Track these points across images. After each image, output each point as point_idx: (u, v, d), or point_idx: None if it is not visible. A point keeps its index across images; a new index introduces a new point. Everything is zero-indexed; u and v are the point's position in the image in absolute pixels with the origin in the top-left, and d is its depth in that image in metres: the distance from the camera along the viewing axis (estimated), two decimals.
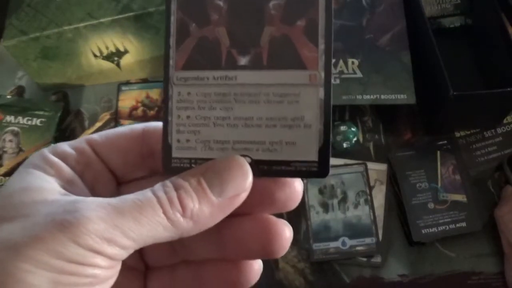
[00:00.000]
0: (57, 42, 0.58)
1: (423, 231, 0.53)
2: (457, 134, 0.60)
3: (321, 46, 0.22)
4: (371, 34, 0.59)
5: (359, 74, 0.56)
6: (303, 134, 0.21)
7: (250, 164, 0.21)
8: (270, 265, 0.54)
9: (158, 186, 0.19)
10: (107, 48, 0.60)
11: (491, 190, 0.57)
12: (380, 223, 0.55)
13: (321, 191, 0.56)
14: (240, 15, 0.22)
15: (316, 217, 0.55)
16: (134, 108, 0.61)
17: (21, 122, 0.57)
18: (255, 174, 0.21)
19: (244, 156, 0.21)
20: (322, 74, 0.21)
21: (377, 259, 0.54)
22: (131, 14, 0.57)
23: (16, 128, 0.57)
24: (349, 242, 0.53)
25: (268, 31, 0.22)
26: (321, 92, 0.21)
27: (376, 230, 0.54)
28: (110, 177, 0.22)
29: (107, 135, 0.22)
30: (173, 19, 0.22)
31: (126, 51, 0.61)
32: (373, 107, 0.61)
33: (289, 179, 0.22)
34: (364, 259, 0.54)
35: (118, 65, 0.63)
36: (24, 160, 0.22)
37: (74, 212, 0.17)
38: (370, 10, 0.60)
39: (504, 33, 0.55)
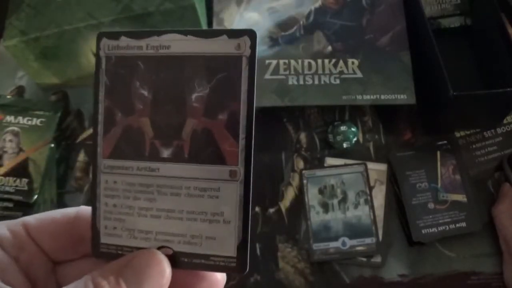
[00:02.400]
0: (57, 42, 0.58)
1: (423, 231, 0.53)
2: (457, 134, 0.60)
3: (242, 141, 0.21)
4: (371, 34, 0.59)
5: (359, 74, 0.56)
6: (222, 230, 0.21)
7: (171, 255, 0.21)
8: (270, 265, 0.54)
9: (80, 286, 0.20)
10: None
11: (491, 190, 0.57)
12: (380, 223, 0.55)
13: (321, 191, 0.56)
14: (163, 106, 0.22)
15: (316, 217, 0.55)
16: None
17: (21, 122, 0.57)
18: (175, 266, 0.21)
19: (165, 247, 0.21)
20: (242, 170, 0.21)
21: (377, 259, 0.54)
22: (131, 14, 0.57)
23: (16, 128, 0.56)
24: (349, 242, 0.53)
25: (190, 123, 0.21)
26: (241, 188, 0.21)
27: (376, 230, 0.54)
28: (45, 259, 0.23)
29: (41, 219, 0.23)
30: (101, 107, 0.22)
31: None
32: (373, 107, 0.61)
33: (208, 272, 0.22)
34: (364, 259, 0.54)
35: None
36: (24, 160, 0.23)
37: None
38: (370, 10, 0.60)
39: (504, 33, 0.55)
